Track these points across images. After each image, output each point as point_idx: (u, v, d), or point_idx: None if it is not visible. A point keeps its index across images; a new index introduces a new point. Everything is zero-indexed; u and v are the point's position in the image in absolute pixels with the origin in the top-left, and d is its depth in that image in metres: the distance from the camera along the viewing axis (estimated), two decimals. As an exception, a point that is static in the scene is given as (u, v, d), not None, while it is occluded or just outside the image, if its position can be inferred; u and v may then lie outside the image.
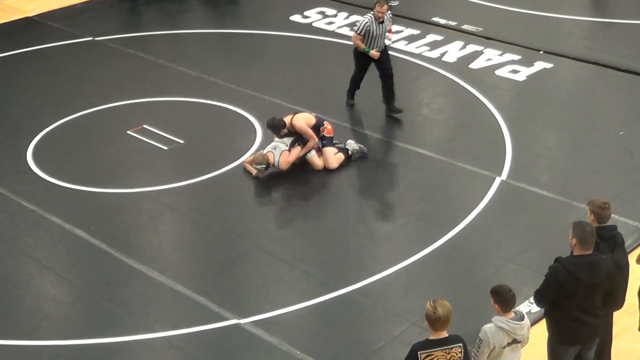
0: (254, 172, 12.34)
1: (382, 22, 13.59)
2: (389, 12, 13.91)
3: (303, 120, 12.44)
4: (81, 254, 10.95)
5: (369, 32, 13.57)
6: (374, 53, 13.72)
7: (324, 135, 12.50)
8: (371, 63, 14.01)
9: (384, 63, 13.95)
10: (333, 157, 12.44)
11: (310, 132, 12.40)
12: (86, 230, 11.30)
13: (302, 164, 12.55)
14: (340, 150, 12.59)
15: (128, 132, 13.73)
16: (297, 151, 12.40)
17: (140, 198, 12.02)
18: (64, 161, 13.02)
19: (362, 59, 14.10)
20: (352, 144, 12.67)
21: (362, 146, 12.68)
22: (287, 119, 12.47)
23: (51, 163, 12.91)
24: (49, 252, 11.04)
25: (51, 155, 13.19)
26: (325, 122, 12.62)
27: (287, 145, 12.39)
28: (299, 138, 12.41)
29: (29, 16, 18.96)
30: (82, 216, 11.63)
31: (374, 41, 13.67)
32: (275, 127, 12.38)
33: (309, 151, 12.49)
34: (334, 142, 12.61)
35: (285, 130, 12.39)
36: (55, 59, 16.80)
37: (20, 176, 12.63)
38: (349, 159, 12.61)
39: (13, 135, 13.78)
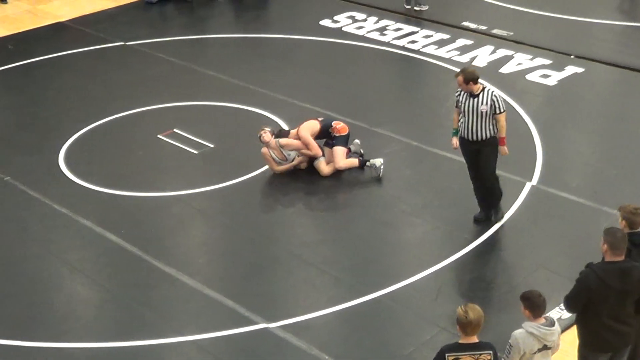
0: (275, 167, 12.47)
1: (476, 96, 10.64)
2: (492, 91, 10.67)
3: (307, 130, 12.48)
4: (112, 257, 11.02)
5: (460, 105, 10.81)
6: (453, 143, 11.07)
7: (334, 135, 12.50)
8: (473, 153, 10.99)
9: (479, 160, 10.93)
10: (342, 156, 12.40)
11: (313, 142, 12.41)
12: (117, 233, 11.36)
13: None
14: (357, 157, 12.54)
15: (159, 136, 13.80)
16: (299, 144, 12.44)
17: (170, 202, 12.07)
18: (96, 165, 13.10)
19: (461, 147, 11.09)
20: (376, 161, 12.36)
21: (381, 168, 12.27)
22: (294, 132, 12.59)
23: (83, 166, 13.00)
24: (80, 254, 11.12)
25: (83, 158, 13.28)
26: (334, 123, 12.62)
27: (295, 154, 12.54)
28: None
29: (61, 21, 19.12)
30: (112, 219, 11.71)
31: (465, 119, 10.76)
32: (279, 136, 12.48)
33: (317, 159, 12.50)
34: (358, 152, 12.60)
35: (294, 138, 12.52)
36: (86, 63, 16.92)
37: (52, 179, 12.72)
38: (362, 169, 12.52)
39: (45, 139, 13.90)
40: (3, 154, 13.49)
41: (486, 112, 10.60)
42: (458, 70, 15.38)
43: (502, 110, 10.67)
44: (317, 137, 12.53)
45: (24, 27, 18.88)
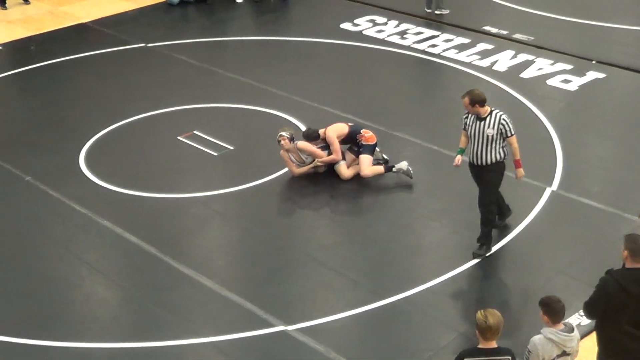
0: (294, 170, 12.52)
1: (483, 119, 10.31)
2: (500, 114, 10.28)
3: (334, 131, 12.50)
4: (131, 257, 11.05)
5: (467, 128, 10.50)
6: (456, 160, 10.80)
7: (361, 143, 12.48)
8: (477, 177, 10.71)
9: (480, 183, 10.65)
10: (368, 164, 12.39)
11: (337, 146, 12.42)
12: (136, 234, 11.40)
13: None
14: (382, 164, 12.53)
15: (179, 137, 13.84)
16: (317, 151, 12.47)
17: (189, 203, 12.09)
18: (116, 166, 13.15)
19: (469, 169, 10.79)
20: (402, 164, 12.42)
21: (410, 169, 12.36)
22: (322, 131, 12.60)
23: (103, 167, 13.05)
24: (100, 255, 11.16)
25: (103, 159, 13.33)
26: (362, 130, 12.60)
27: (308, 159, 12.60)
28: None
29: (83, 22, 19.21)
30: (132, 220, 11.74)
31: (471, 143, 10.45)
32: (309, 137, 12.47)
33: (337, 162, 12.51)
34: (380, 158, 12.59)
35: (320, 142, 12.54)
36: (107, 64, 16.99)
37: (72, 180, 12.78)
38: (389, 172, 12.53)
39: (66, 140, 13.96)
40: (24, 154, 13.56)
41: (492, 136, 10.22)
42: (478, 74, 15.51)
43: (513, 133, 10.29)
44: (343, 141, 12.53)
45: (46, 28, 18.99)
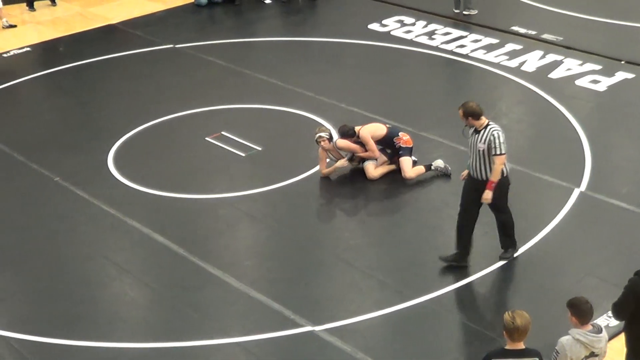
0: (324, 170, 12.55)
1: (478, 132, 9.98)
2: (493, 129, 9.89)
3: (369, 131, 12.51)
4: (159, 257, 11.10)
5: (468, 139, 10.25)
6: (462, 175, 10.57)
7: (400, 145, 12.49)
8: (470, 193, 10.34)
9: (489, 204, 10.28)
10: (410, 166, 12.41)
11: (373, 145, 12.44)
12: (164, 234, 11.45)
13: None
14: (422, 165, 12.58)
15: (207, 138, 13.89)
16: (356, 147, 12.52)
17: (217, 204, 12.14)
18: (144, 166, 13.22)
19: (467, 179, 10.45)
20: (439, 162, 12.55)
21: (447, 166, 12.51)
22: (357, 129, 12.58)
23: (131, 168, 13.12)
24: (128, 255, 11.22)
25: (131, 160, 13.41)
26: (400, 133, 12.60)
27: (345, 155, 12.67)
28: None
29: (111, 24, 19.33)
30: (160, 221, 11.80)
31: (470, 155, 10.17)
32: (345, 135, 12.48)
33: (367, 159, 12.54)
34: (415, 162, 12.60)
35: (355, 139, 12.52)
36: (136, 65, 17.09)
37: (101, 180, 12.86)
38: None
39: (95, 140, 14.05)
40: (53, 155, 13.67)
41: (483, 150, 9.87)
42: (506, 75, 15.46)
43: (498, 152, 9.83)
44: (379, 142, 12.53)
45: (75, 30, 19.13)
